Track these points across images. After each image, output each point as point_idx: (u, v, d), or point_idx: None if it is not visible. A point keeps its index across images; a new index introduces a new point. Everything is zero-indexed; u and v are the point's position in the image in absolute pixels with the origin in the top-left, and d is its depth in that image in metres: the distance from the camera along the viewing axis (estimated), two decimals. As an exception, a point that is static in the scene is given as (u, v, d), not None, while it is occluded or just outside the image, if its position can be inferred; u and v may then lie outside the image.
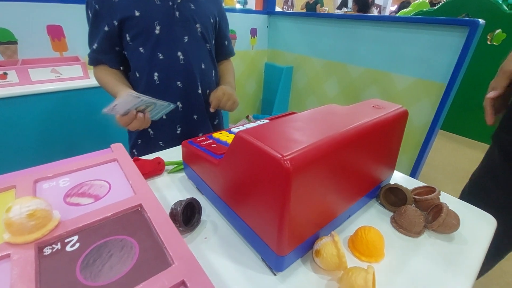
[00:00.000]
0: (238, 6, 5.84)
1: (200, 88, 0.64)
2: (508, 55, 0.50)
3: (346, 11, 5.45)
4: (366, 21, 1.26)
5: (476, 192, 0.56)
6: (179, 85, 0.61)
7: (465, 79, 1.29)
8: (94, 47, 0.57)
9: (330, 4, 7.91)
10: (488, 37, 1.78)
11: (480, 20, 0.95)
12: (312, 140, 0.28)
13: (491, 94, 0.50)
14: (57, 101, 0.94)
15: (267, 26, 1.76)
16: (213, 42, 0.67)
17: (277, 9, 3.35)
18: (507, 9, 1.75)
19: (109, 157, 0.40)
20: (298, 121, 0.34)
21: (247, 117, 1.94)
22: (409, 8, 2.42)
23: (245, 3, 6.07)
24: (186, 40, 0.60)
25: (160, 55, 0.58)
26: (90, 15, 0.55)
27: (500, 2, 1.76)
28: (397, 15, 2.40)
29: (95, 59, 0.59)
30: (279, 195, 0.25)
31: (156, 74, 0.59)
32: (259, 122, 0.50)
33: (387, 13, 9.55)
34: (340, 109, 0.39)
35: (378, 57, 1.26)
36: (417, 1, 2.16)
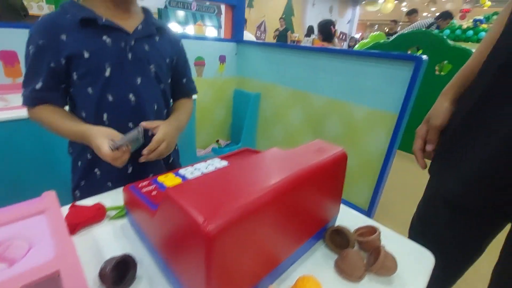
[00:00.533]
0: (212, 30, 6.01)
1: (150, 130, 0.61)
2: (434, 108, 0.55)
3: (314, 38, 5.81)
4: (327, 53, 1.34)
5: (419, 225, 0.58)
6: (131, 126, 0.59)
7: (419, 106, 1.40)
8: (37, 86, 0.52)
9: (300, 31, 8.42)
10: (436, 68, 1.97)
11: (423, 56, 1.05)
12: (244, 196, 0.27)
13: (428, 147, 0.54)
14: (1, 132, 0.87)
15: (236, 54, 1.81)
16: (169, 81, 0.66)
17: (251, 34, 3.48)
18: (450, 43, 1.97)
19: (36, 209, 0.37)
20: (236, 172, 0.33)
21: (217, 141, 1.94)
22: (367, 39, 2.64)
23: (220, 27, 6.28)
24: (139, 81, 0.58)
25: (110, 96, 0.56)
26: (31, 51, 0.51)
27: (445, 37, 1.97)
28: (355, 48, 2.58)
29: (37, 98, 0.54)
30: (202, 258, 0.24)
31: (105, 115, 0.57)
32: (215, 163, 0.50)
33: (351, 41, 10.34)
34: (282, 155, 0.40)
35: (339, 88, 1.33)
36: (374, 33, 2.38)
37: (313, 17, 9.49)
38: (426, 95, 1.68)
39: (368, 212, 1.32)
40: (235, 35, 1.78)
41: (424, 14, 9.97)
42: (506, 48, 0.41)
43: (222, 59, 1.76)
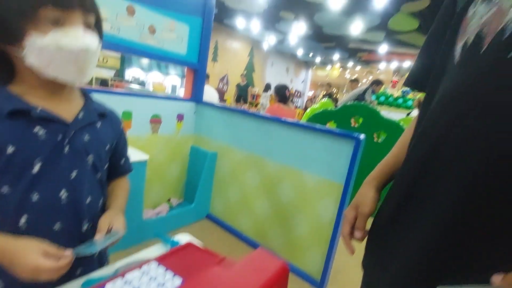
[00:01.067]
0: (176, 78, 6.12)
1: (83, 226, 0.54)
2: (360, 195, 0.56)
3: (271, 94, 6.31)
4: (280, 123, 1.44)
5: None
6: (56, 228, 0.50)
7: (361, 171, 1.53)
8: None
9: (259, 85, 9.08)
10: (375, 135, 2.24)
11: (361, 134, 1.19)
12: None
13: (357, 234, 0.53)
14: None
15: (194, 113, 1.84)
16: (106, 167, 0.61)
17: (212, 89, 3.62)
18: (383, 115, 2.28)
19: None
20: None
21: (169, 200, 1.83)
22: (317, 105, 2.94)
23: (183, 76, 6.49)
24: (74, 175, 0.51)
25: (35, 196, 0.47)
26: None
27: (378, 111, 2.29)
28: (302, 119, 2.82)
29: None
30: None
31: (24, 218, 0.47)
32: (151, 270, 0.45)
33: (305, 98, 11.46)
34: (224, 277, 0.38)
35: (291, 155, 1.41)
36: (323, 100, 2.69)
37: (272, 75, 10.42)
38: (367, 159, 1.86)
39: (321, 283, 1.30)
40: (195, 95, 1.83)
41: (364, 80, 11.64)
42: (416, 154, 0.45)
43: (180, 117, 1.77)
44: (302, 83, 12.23)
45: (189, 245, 0.55)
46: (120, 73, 6.45)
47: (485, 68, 0.35)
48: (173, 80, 7.74)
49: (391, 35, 6.40)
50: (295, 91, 10.93)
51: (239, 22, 7.30)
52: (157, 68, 7.08)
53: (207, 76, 3.92)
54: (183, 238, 0.66)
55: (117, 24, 1.36)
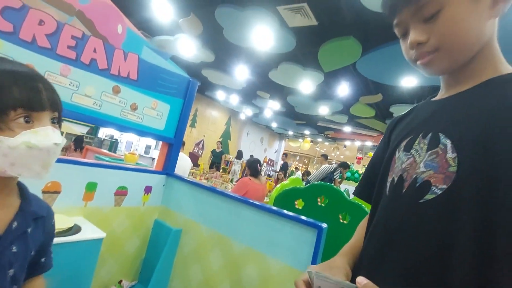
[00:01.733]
0: (151, 140, 6.11)
1: None
2: (333, 263, 0.55)
3: (243, 161, 6.49)
4: (247, 204, 1.47)
5: None
6: None
7: (326, 251, 1.52)
8: None
9: (234, 153, 9.34)
10: (340, 216, 2.32)
11: (323, 224, 1.24)
12: None
13: None
14: None
15: (164, 185, 1.83)
16: (24, 274, 0.55)
17: (186, 156, 3.67)
18: (347, 197, 2.41)
19: None
20: None
21: (120, 282, 1.63)
22: (287, 181, 3.06)
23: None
24: (10, 274, 0.48)
25: None
26: None
27: (343, 192, 2.43)
28: (272, 194, 2.90)
29: None
30: None
31: None
32: None
33: (278, 167, 11.84)
34: None
35: (257, 238, 1.40)
36: (293, 176, 2.83)
37: (247, 144, 10.88)
38: (333, 239, 1.87)
39: None
40: (167, 168, 1.85)
41: (333, 154, 12.47)
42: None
43: (147, 189, 1.74)
44: (275, 153, 12.80)
45: None
46: (94, 131, 6.38)
47: (404, 207, 0.46)
48: (147, 141, 7.76)
49: (353, 119, 7.26)
50: (269, 159, 11.32)
51: (219, 94, 7.96)
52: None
53: (183, 143, 4.02)
54: None
55: (99, 101, 1.45)
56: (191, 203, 1.70)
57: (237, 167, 6.70)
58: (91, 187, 1.45)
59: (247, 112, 9.59)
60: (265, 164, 10.39)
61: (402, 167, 0.48)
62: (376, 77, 4.42)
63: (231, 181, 5.19)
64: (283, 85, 5.78)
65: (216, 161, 6.89)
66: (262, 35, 3.81)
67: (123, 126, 1.57)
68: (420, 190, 0.43)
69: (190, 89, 1.91)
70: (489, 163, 0.38)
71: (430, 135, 0.46)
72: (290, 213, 1.33)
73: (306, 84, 5.24)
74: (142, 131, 1.66)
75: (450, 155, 0.42)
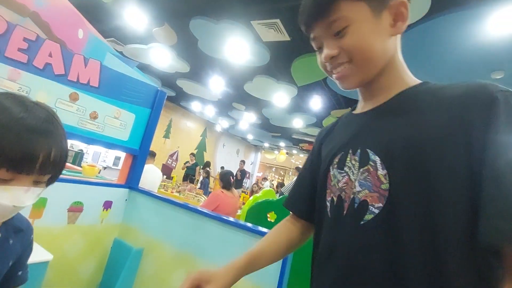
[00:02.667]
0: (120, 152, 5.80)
1: None
2: (217, 275, 0.54)
3: (216, 176, 6.38)
4: (214, 219, 1.40)
5: None
6: None
7: (300, 262, 1.48)
8: None
9: (211, 165, 9.15)
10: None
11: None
12: None
13: None
14: None
15: (126, 200, 1.71)
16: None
17: (155, 168, 3.50)
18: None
19: None
20: None
21: (70, 310, 1.46)
22: (260, 194, 3.03)
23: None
24: None
25: None
26: None
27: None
28: (245, 206, 2.86)
29: None
30: None
31: None
32: None
33: (254, 179, 11.79)
34: None
35: (223, 254, 1.33)
36: (266, 189, 2.80)
37: (222, 155, 10.75)
38: (303, 250, 1.85)
39: None
40: (130, 181, 1.74)
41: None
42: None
43: (107, 205, 1.61)
44: (251, 164, 12.77)
45: None
46: (56, 141, 5.94)
47: (348, 230, 0.46)
48: (117, 152, 7.37)
49: (326, 132, 7.46)
50: (246, 172, 11.24)
51: (195, 105, 7.85)
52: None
53: (154, 155, 3.85)
54: None
55: (54, 108, 1.33)
56: (155, 220, 1.60)
57: (201, 177, 6.67)
58: (39, 203, 1.31)
59: (223, 123, 9.53)
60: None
61: (339, 186, 0.50)
62: (345, 92, 4.61)
63: (206, 194, 5.05)
64: (258, 98, 5.84)
65: (190, 173, 6.70)
66: (237, 48, 3.84)
67: (81, 136, 1.45)
68: (359, 211, 0.45)
69: (158, 99, 1.83)
70: (419, 176, 0.39)
71: (359, 151, 0.48)
72: (259, 228, 1.28)
73: (280, 97, 5.34)
74: (102, 142, 1.55)
75: (381, 172, 0.43)
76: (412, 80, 0.51)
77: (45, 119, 0.48)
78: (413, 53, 3.01)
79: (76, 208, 1.45)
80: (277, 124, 7.85)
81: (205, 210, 1.49)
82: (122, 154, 5.98)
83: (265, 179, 5.31)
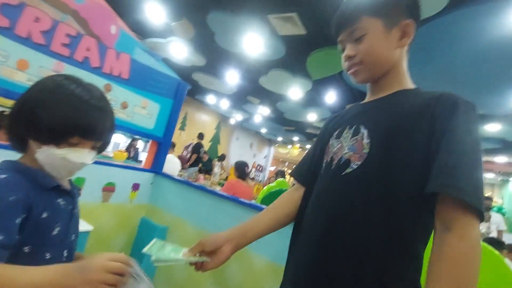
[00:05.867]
0: (140, 142, 6.08)
1: None
2: (215, 239, 0.72)
3: (232, 166, 6.55)
4: (233, 201, 1.52)
5: None
6: None
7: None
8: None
9: (227, 161, 9.34)
10: None
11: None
12: None
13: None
14: None
15: (151, 183, 1.86)
16: None
17: (176, 159, 3.68)
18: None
19: None
20: None
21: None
22: (273, 184, 3.13)
23: (147, 141, 6.51)
24: (72, 238, 0.65)
25: (47, 255, 0.58)
26: None
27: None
28: (259, 196, 2.96)
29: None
30: None
31: None
32: None
33: (267, 173, 11.91)
34: None
35: (241, 233, 1.44)
36: (280, 179, 2.91)
37: (236, 148, 10.91)
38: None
39: None
40: (155, 166, 1.88)
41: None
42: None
43: (135, 187, 1.76)
44: (264, 158, 12.87)
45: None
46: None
47: (331, 179, 0.63)
48: (137, 144, 7.67)
49: (340, 126, 7.42)
50: (258, 165, 11.38)
51: (210, 98, 8.00)
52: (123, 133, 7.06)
53: (174, 145, 4.03)
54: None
55: (91, 97, 1.48)
56: (178, 202, 1.74)
57: (216, 168, 6.87)
58: (78, 182, 1.47)
59: (237, 117, 9.66)
60: (254, 169, 10.45)
61: (333, 150, 0.66)
62: (360, 87, 4.60)
63: (220, 184, 5.21)
64: (273, 91, 5.90)
65: (207, 166, 6.94)
66: (253, 42, 3.91)
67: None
68: (343, 166, 0.60)
69: (180, 91, 1.96)
70: (389, 148, 0.55)
71: (354, 127, 0.64)
72: (274, 210, 1.39)
73: (295, 90, 5.38)
74: (131, 129, 1.70)
75: (365, 141, 0.59)
76: (409, 84, 0.66)
77: (100, 97, 0.62)
78: (432, 46, 2.99)
79: (109, 188, 1.61)
80: (291, 118, 7.88)
81: (223, 193, 1.61)
82: (141, 145, 6.16)
83: (281, 172, 5.47)
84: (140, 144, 6.80)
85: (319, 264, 0.59)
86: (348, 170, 0.59)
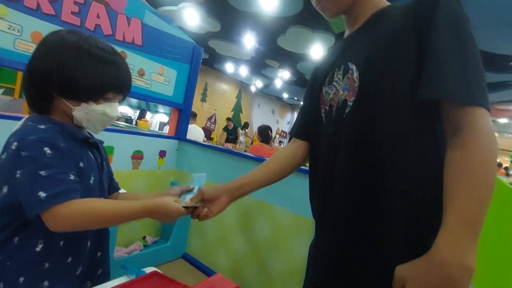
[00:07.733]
0: (164, 116, 6.23)
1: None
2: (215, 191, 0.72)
3: (255, 134, 6.58)
4: (256, 160, 1.51)
5: None
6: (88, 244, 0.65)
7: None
8: (71, 177, 0.54)
9: (250, 129, 9.37)
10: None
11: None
12: None
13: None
14: None
15: (177, 150, 1.90)
16: None
17: (199, 128, 3.74)
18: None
19: None
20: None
21: (144, 238, 1.78)
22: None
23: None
24: (105, 186, 0.70)
25: None
26: (50, 151, 0.52)
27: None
28: None
29: (73, 191, 0.53)
30: None
31: None
32: None
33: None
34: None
35: (266, 190, 1.46)
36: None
37: (258, 116, 10.84)
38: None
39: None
40: (178, 133, 1.91)
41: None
42: None
43: (162, 153, 1.82)
44: (287, 124, 12.72)
45: (154, 274, 0.58)
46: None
47: (336, 125, 0.59)
48: (161, 118, 7.91)
49: (367, 84, 6.99)
50: (281, 131, 11.31)
51: (228, 66, 7.82)
52: (146, 106, 7.25)
53: (195, 115, 4.07)
54: (149, 270, 0.68)
55: (109, 67, 1.48)
56: (203, 165, 1.78)
57: (242, 137, 6.95)
58: (108, 150, 1.54)
59: (257, 83, 9.44)
60: (278, 136, 10.41)
61: (329, 98, 0.62)
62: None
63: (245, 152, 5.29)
64: (292, 52, 5.59)
65: (232, 134, 7.03)
66: (268, -3, 3.63)
67: (134, 92, 1.61)
68: (342, 108, 0.58)
69: (196, 55, 1.90)
70: (377, 71, 0.53)
71: (343, 66, 0.60)
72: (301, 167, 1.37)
73: (316, 48, 5.04)
74: (151, 97, 1.71)
75: (355, 75, 0.56)
76: (383, 2, 0.61)
77: (115, 52, 0.65)
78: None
79: (137, 156, 1.68)
80: (313, 79, 7.53)
81: (246, 153, 1.61)
82: (165, 119, 6.32)
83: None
84: (148, 116, 6.96)
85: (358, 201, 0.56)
86: (347, 110, 0.56)
